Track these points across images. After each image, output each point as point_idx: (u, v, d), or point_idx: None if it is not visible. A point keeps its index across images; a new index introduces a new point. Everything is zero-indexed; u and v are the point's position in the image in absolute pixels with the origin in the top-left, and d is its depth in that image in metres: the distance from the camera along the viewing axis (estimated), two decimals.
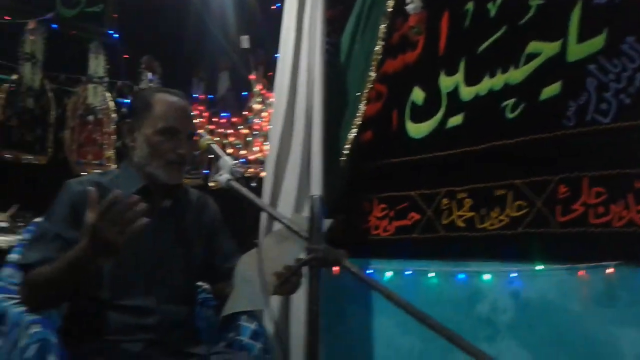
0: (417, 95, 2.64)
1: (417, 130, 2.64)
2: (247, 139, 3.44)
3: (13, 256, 1.72)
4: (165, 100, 1.65)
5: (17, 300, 1.59)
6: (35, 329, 1.42)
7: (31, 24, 3.06)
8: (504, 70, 2.30)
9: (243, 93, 3.61)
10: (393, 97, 2.76)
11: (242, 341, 1.74)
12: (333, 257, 0.97)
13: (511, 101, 2.27)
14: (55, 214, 1.56)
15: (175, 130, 1.62)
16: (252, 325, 1.76)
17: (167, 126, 1.61)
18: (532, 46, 2.22)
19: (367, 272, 2.79)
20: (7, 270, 1.70)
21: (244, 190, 1.32)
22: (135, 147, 1.66)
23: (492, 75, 2.34)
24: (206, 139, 1.55)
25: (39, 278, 1.44)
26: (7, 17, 3.02)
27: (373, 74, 2.79)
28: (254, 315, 1.79)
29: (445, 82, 2.53)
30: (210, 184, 3.45)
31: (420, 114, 2.63)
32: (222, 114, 3.59)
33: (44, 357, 1.38)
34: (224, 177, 1.36)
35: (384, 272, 2.72)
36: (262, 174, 3.04)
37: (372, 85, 2.79)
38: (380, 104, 2.81)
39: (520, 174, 2.22)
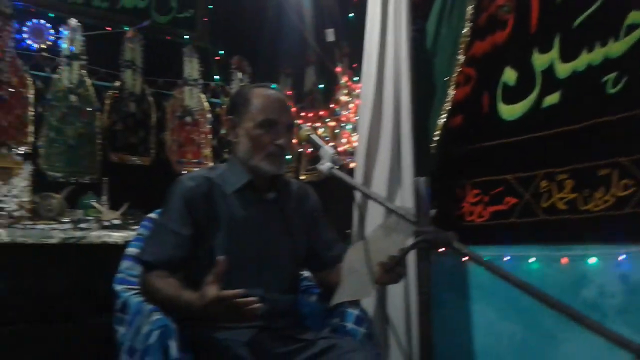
0: (509, 75, 2.57)
1: (510, 111, 2.56)
2: (335, 131, 3.48)
3: (131, 250, 1.84)
4: (262, 94, 1.71)
5: (136, 291, 1.72)
6: (156, 316, 1.51)
7: (129, 33, 3.26)
8: (603, 44, 2.19)
9: (329, 86, 3.65)
10: (483, 80, 2.69)
11: (347, 327, 1.77)
12: (443, 239, 0.97)
13: (612, 75, 2.15)
14: (170, 210, 1.65)
15: (273, 122, 1.67)
16: (356, 311, 1.80)
17: (265, 118, 1.67)
18: (633, 17, 2.09)
19: (463, 259, 2.75)
20: (126, 263, 1.83)
21: (347, 178, 1.35)
22: (238, 143, 1.73)
23: (590, 50, 2.23)
24: (306, 129, 1.59)
25: (157, 294, 1.55)
26: (107, 28, 3.23)
27: (461, 57, 2.73)
28: (356, 302, 1.82)
29: (539, 60, 2.43)
30: (302, 177, 3.53)
31: (512, 95, 2.55)
32: (309, 108, 3.65)
33: (166, 343, 1.46)
34: (326, 165, 1.39)
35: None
36: (352, 165, 3.07)
37: (460, 69, 2.74)
38: (469, 87, 2.75)
39: (625, 151, 2.10)
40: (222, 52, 3.61)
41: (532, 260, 2.44)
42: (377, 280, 1.56)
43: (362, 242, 1.50)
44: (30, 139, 2.94)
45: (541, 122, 2.41)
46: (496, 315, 2.60)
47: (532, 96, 2.46)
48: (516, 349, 2.50)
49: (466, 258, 2.72)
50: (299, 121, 3.55)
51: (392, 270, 1.51)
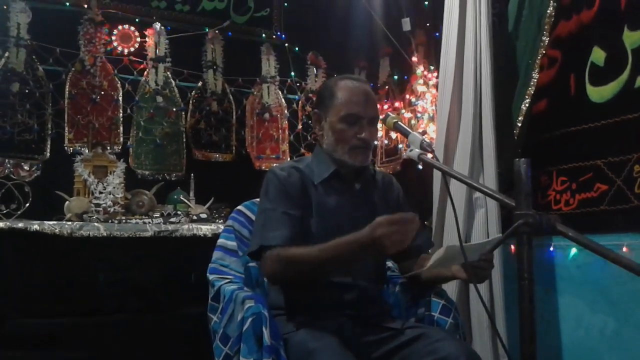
0: (597, 55, 2.46)
1: (599, 93, 2.45)
2: (411, 122, 3.45)
3: (221, 241, 1.91)
4: (347, 87, 1.71)
5: (228, 280, 1.78)
6: (249, 304, 1.54)
7: (210, 34, 3.37)
8: None
9: (404, 77, 3.62)
10: (569, 61, 2.59)
11: (434, 316, 1.76)
12: (546, 222, 0.95)
13: None
14: (274, 195, 1.68)
15: (357, 116, 1.67)
16: (442, 301, 1.78)
17: (349, 113, 1.67)
18: None
19: (550, 250, 2.67)
20: (217, 254, 1.89)
21: (437, 163, 1.34)
22: (323, 136, 1.75)
23: None
24: (392, 117, 1.59)
25: (304, 257, 1.54)
26: (190, 31, 3.37)
27: (545, 39, 2.63)
28: (441, 292, 1.81)
29: (631, 38, 2.31)
30: (378, 170, 3.52)
31: (602, 76, 2.44)
32: (385, 100, 3.64)
33: (259, 330, 1.49)
34: (415, 152, 1.39)
35: (568, 249, 2.58)
36: (429, 156, 3.03)
37: (544, 52, 2.65)
38: (554, 70, 2.66)
39: None
40: (297, 48, 3.66)
41: (625, 249, 2.33)
42: (461, 277, 1.58)
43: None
44: (121, 139, 3.10)
45: (634, 103, 2.30)
46: (586, 308, 2.50)
47: (623, 76, 2.35)
48: (608, 343, 2.41)
49: (552, 249, 2.64)
50: (385, 108, 3.53)
51: (482, 268, 1.50)
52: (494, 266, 1.60)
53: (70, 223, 2.50)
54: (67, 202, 2.72)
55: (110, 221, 2.64)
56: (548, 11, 2.61)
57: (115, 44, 3.18)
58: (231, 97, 3.45)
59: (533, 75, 2.64)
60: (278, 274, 1.60)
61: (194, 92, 3.34)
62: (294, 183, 1.69)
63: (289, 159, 3.51)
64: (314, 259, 1.52)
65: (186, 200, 2.94)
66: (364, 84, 1.75)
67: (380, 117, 1.78)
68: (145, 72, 3.20)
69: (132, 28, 3.23)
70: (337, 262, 1.54)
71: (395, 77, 3.67)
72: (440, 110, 2.80)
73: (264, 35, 3.61)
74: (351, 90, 1.70)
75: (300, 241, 1.61)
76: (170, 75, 3.26)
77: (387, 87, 3.71)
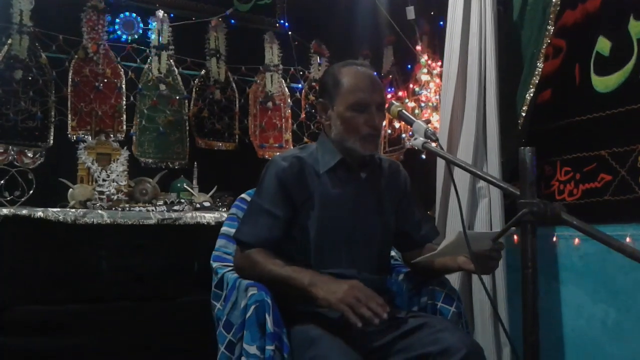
0: (603, 45, 2.44)
1: (604, 83, 2.44)
2: (415, 111, 3.44)
3: (226, 229, 1.92)
4: (352, 73, 1.68)
5: (231, 268, 1.78)
6: (253, 291, 1.54)
7: (213, 22, 3.36)
8: None
9: (407, 66, 3.61)
10: (574, 51, 2.58)
11: (437, 305, 1.76)
12: (551, 211, 0.94)
13: None
14: (265, 191, 1.67)
15: (365, 102, 1.64)
16: (445, 290, 1.78)
17: (357, 100, 1.64)
18: None
19: (553, 239, 2.67)
20: (221, 241, 1.90)
21: (441, 151, 1.34)
22: (330, 125, 1.71)
23: None
24: (396, 106, 1.58)
25: (255, 269, 1.59)
26: (193, 18, 3.35)
27: (550, 28, 2.62)
28: (444, 281, 1.81)
29: (636, 28, 2.30)
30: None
31: (607, 66, 2.43)
32: (388, 89, 3.63)
33: (262, 317, 1.49)
34: (419, 140, 1.39)
35: (571, 239, 2.58)
36: (433, 144, 3.02)
37: (549, 41, 2.63)
38: (559, 59, 2.65)
39: None
40: (300, 36, 3.65)
41: (628, 240, 2.33)
42: (468, 268, 1.58)
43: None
44: (124, 126, 3.10)
45: (639, 94, 2.29)
46: (587, 298, 2.51)
47: (629, 66, 2.34)
48: (609, 333, 2.41)
49: (555, 239, 2.64)
50: (389, 97, 3.53)
51: (490, 258, 1.50)
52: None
53: (73, 210, 2.51)
54: (70, 190, 2.73)
55: (113, 209, 2.65)
56: (553, 0, 2.59)
57: (118, 31, 3.17)
58: (234, 86, 3.44)
59: (538, 64, 2.63)
60: (244, 271, 1.64)
61: (197, 80, 3.34)
62: (294, 174, 1.67)
63: (292, 148, 3.50)
64: (267, 274, 1.56)
65: (189, 189, 2.94)
66: (368, 69, 1.72)
67: None
68: (149, 60, 3.19)
69: (135, 15, 3.21)
70: (285, 289, 1.55)
71: (399, 65, 3.65)
72: (444, 99, 2.79)
73: (266, 23, 3.60)
74: (356, 77, 1.67)
75: (276, 244, 1.64)
76: (173, 63, 3.25)
77: (390, 76, 3.70)
